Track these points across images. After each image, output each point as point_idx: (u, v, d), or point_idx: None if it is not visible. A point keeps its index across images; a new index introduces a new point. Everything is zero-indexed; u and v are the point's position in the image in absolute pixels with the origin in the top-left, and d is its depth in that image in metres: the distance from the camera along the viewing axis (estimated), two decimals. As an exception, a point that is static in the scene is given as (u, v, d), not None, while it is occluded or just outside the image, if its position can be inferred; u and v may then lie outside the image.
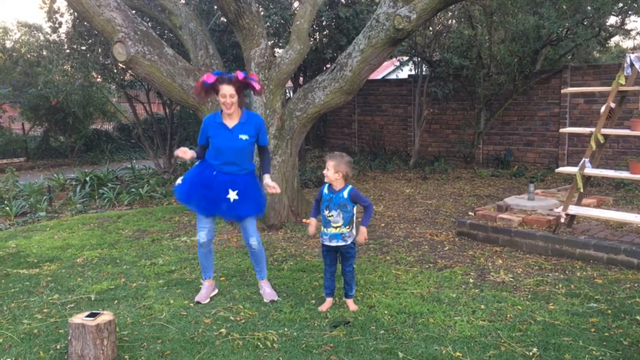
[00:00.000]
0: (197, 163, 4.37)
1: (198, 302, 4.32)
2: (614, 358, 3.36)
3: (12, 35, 14.33)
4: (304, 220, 6.80)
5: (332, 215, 4.04)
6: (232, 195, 4.17)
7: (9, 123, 14.46)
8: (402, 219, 7.13)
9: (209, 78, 4.08)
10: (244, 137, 4.18)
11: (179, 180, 4.31)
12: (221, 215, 4.38)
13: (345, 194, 4.02)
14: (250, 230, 4.33)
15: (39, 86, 11.95)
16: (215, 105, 6.48)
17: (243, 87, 4.17)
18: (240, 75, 4.09)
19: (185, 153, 4.12)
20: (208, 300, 4.38)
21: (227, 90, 4.06)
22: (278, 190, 4.25)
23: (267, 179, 4.30)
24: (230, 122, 4.19)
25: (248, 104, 6.83)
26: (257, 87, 4.16)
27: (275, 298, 4.35)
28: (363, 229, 4.04)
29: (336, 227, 4.04)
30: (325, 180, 4.07)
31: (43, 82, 11.69)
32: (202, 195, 4.20)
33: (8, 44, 13.91)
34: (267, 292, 4.40)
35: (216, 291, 4.53)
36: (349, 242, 4.08)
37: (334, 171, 4.01)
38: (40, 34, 13.10)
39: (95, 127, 16.33)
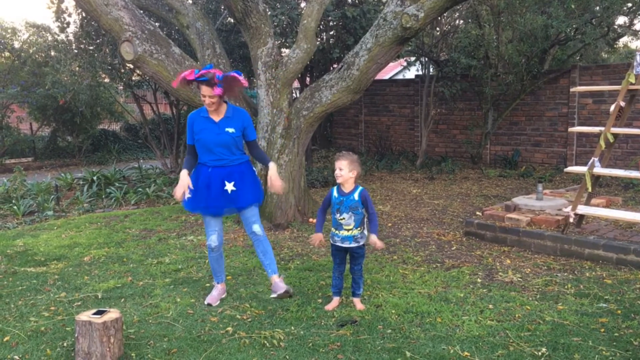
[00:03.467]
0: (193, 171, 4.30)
1: (209, 304, 4.26)
2: (624, 358, 3.33)
3: (20, 35, 14.39)
4: (310, 219, 6.79)
5: (343, 219, 4.00)
6: (229, 186, 4.13)
7: (17, 123, 14.52)
8: (409, 218, 7.10)
9: (190, 75, 4.06)
10: (230, 130, 4.13)
11: (187, 194, 4.17)
12: (226, 210, 4.35)
13: (356, 195, 3.99)
14: (252, 217, 4.25)
15: (47, 86, 12.00)
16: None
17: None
18: (216, 76, 4.04)
19: (183, 186, 4.06)
20: (218, 302, 4.34)
21: (205, 91, 4.03)
22: (280, 189, 4.20)
23: (272, 169, 4.19)
24: (217, 117, 4.17)
25: (254, 103, 6.83)
26: (218, 92, 4.03)
27: (290, 291, 4.15)
28: (374, 237, 3.97)
29: (348, 230, 4.02)
30: (339, 180, 4.01)
31: (51, 82, 11.75)
32: (203, 195, 4.15)
33: (16, 44, 13.97)
34: (280, 285, 4.16)
35: (225, 294, 4.48)
36: (361, 244, 4.07)
37: (348, 170, 3.97)
38: (48, 34, 13.15)
39: (103, 127, 16.40)
